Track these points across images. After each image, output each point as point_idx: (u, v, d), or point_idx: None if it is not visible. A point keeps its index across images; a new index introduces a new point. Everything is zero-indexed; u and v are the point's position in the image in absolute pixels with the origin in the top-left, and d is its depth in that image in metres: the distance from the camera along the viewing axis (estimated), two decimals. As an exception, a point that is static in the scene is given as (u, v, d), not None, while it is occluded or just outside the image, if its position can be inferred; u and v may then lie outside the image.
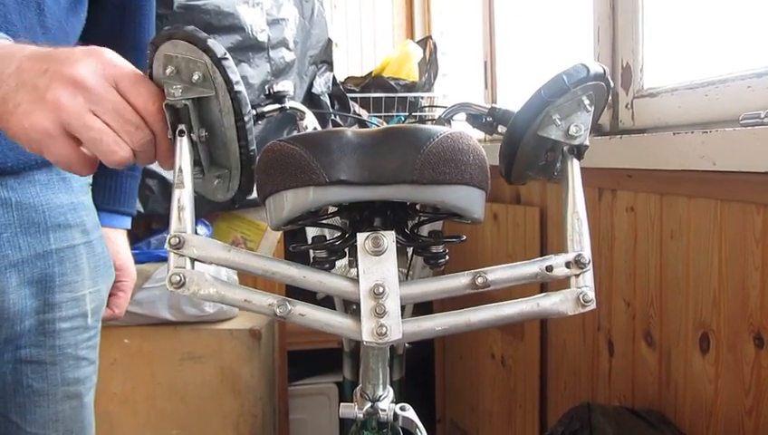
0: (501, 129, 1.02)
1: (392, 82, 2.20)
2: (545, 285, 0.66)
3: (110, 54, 0.55)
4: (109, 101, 0.54)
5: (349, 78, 2.33)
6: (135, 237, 1.72)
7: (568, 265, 0.59)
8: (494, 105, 1.03)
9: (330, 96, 2.06)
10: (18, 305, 0.80)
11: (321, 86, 2.03)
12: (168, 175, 1.71)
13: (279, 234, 1.97)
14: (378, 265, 0.59)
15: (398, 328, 0.57)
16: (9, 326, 0.80)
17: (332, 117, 2.01)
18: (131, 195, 1.05)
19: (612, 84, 0.64)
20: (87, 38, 0.90)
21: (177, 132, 0.57)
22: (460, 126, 1.08)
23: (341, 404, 0.84)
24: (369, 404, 0.82)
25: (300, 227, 0.72)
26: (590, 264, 0.59)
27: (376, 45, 2.59)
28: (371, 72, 2.31)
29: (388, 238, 0.59)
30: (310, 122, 1.19)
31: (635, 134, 1.19)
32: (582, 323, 1.35)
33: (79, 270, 0.87)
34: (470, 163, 0.60)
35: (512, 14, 1.94)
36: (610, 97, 1.29)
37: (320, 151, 0.59)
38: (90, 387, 0.91)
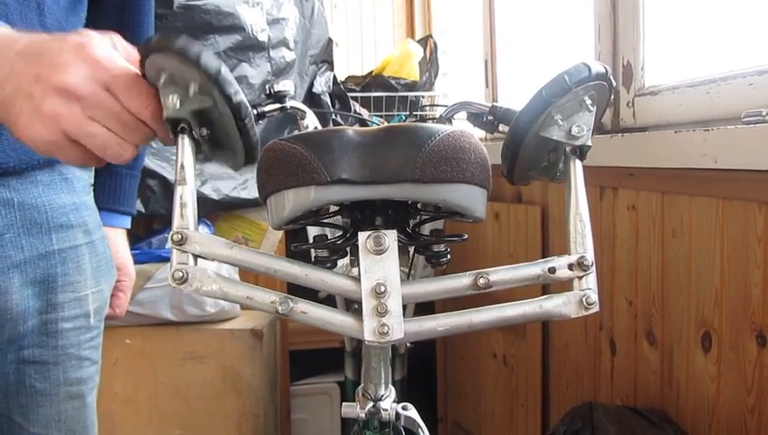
0: (502, 127, 1.01)
1: (393, 82, 2.20)
2: (547, 285, 0.66)
3: (101, 52, 0.54)
4: (104, 106, 0.54)
5: (349, 77, 2.33)
6: (136, 237, 1.72)
7: (571, 267, 0.59)
8: (494, 104, 1.02)
9: (330, 96, 2.06)
10: (21, 306, 0.80)
11: (321, 86, 2.03)
12: (169, 175, 1.71)
13: (280, 233, 1.97)
14: (379, 265, 0.59)
15: (399, 328, 0.57)
16: (12, 326, 0.80)
17: (333, 116, 2.01)
18: (131, 194, 1.05)
19: (615, 84, 0.64)
20: None
21: (177, 131, 0.57)
22: (461, 125, 1.07)
23: (344, 404, 0.84)
24: (372, 404, 0.82)
25: (301, 226, 0.72)
26: (594, 266, 0.59)
27: (376, 45, 2.58)
28: (372, 72, 2.31)
29: (390, 237, 0.59)
30: (310, 122, 1.19)
31: (636, 132, 1.19)
32: (584, 323, 1.35)
33: (81, 270, 0.87)
34: (471, 162, 0.60)
35: (512, 12, 1.94)
36: (612, 95, 1.29)
37: (321, 150, 0.59)
38: (92, 387, 0.91)
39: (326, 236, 0.71)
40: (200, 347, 1.68)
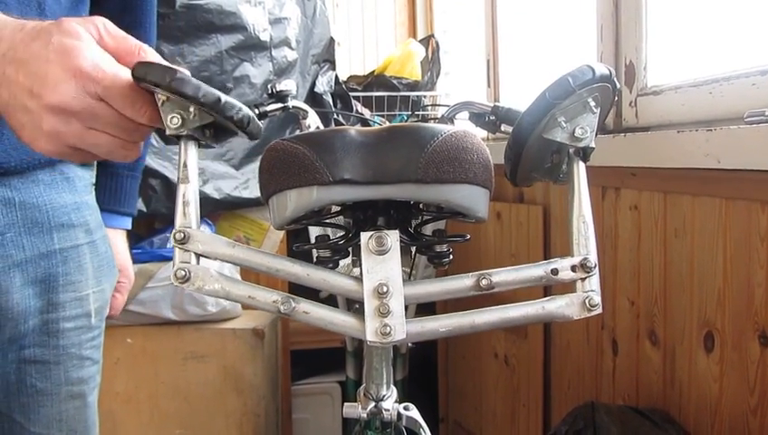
0: (504, 127, 1.01)
1: (395, 81, 2.20)
2: (550, 285, 0.66)
3: (87, 62, 0.52)
4: (101, 116, 0.54)
5: (351, 77, 2.33)
6: (137, 237, 1.72)
7: (574, 268, 0.59)
8: (496, 103, 1.02)
9: (332, 95, 2.06)
10: (22, 305, 0.80)
11: (323, 85, 2.03)
12: (170, 174, 1.71)
13: (282, 233, 1.97)
14: (381, 265, 0.58)
15: (401, 328, 0.57)
16: (13, 326, 0.80)
17: (335, 116, 2.01)
18: (132, 195, 1.05)
19: (618, 86, 0.63)
20: None
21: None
22: (463, 125, 1.07)
23: (345, 404, 0.84)
24: (373, 404, 0.82)
25: (303, 226, 0.72)
26: (596, 268, 0.59)
27: (378, 44, 2.58)
28: (374, 71, 2.30)
29: (392, 238, 0.59)
30: (312, 121, 1.19)
31: (639, 132, 1.18)
32: (586, 323, 1.34)
33: (82, 270, 0.87)
34: (474, 162, 0.60)
35: (514, 12, 1.93)
36: (615, 97, 1.29)
37: (323, 150, 0.59)
38: (93, 387, 0.91)
39: (328, 236, 0.71)
40: (201, 346, 1.68)
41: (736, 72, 1.01)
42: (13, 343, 0.81)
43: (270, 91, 1.10)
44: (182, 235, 0.56)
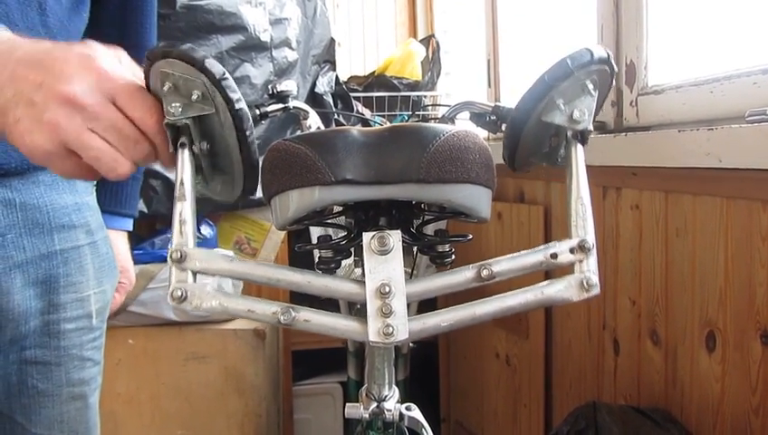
0: (505, 127, 1.01)
1: (395, 81, 2.20)
2: (550, 274, 0.65)
3: (106, 63, 0.54)
4: (106, 117, 0.53)
5: (352, 77, 2.33)
6: (139, 238, 1.72)
7: (572, 250, 0.58)
8: (497, 103, 1.02)
9: (333, 96, 2.06)
10: (23, 306, 0.79)
11: (324, 86, 2.03)
12: (171, 175, 1.71)
13: (283, 234, 1.97)
14: (384, 265, 0.58)
15: (404, 328, 0.56)
16: (14, 327, 0.79)
17: (336, 116, 2.01)
18: (133, 196, 1.05)
19: (617, 69, 0.63)
20: (89, 38, 0.90)
21: (177, 145, 0.57)
22: (464, 125, 1.07)
23: (347, 404, 0.84)
24: (375, 404, 0.82)
25: (305, 226, 0.72)
26: (594, 248, 0.59)
27: (378, 44, 2.58)
28: (374, 72, 2.30)
29: (394, 238, 0.59)
30: (313, 122, 1.19)
31: (639, 132, 1.18)
32: (588, 322, 1.34)
33: (83, 271, 0.86)
34: (476, 162, 0.60)
35: (515, 11, 1.93)
36: (614, 95, 1.29)
37: (325, 151, 0.59)
38: (95, 388, 0.91)
39: (330, 236, 0.71)
40: (203, 347, 1.68)
41: (737, 70, 1.01)
42: (14, 344, 0.81)
43: (270, 92, 1.10)
44: (179, 254, 0.56)
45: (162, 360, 1.67)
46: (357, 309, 1.15)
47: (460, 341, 2.03)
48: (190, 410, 1.68)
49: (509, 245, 1.69)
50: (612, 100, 1.29)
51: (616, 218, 1.24)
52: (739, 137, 0.88)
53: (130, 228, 1.05)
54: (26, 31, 0.75)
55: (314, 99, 2.00)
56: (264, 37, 1.82)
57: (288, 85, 1.10)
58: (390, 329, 0.56)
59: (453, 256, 0.70)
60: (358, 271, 1.15)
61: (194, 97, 0.55)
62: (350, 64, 2.51)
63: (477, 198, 0.61)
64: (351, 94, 2.12)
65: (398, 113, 2.18)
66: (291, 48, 1.90)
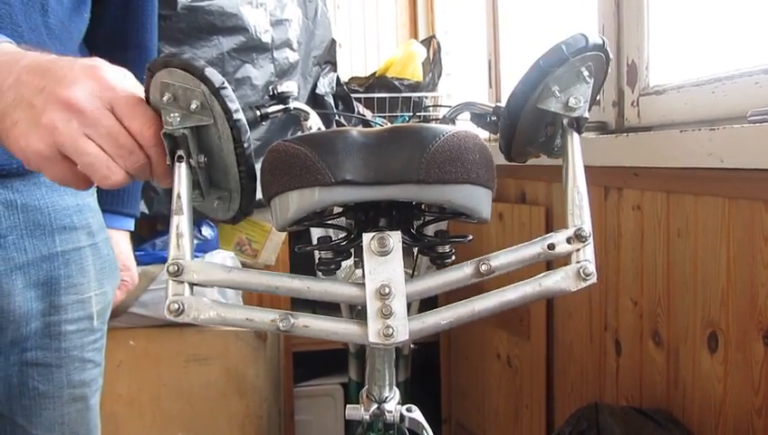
0: (501, 116, 1.01)
1: (396, 82, 2.19)
2: (551, 267, 0.65)
3: (109, 75, 0.54)
4: (103, 125, 0.53)
5: (352, 78, 2.33)
6: (140, 239, 1.72)
7: (569, 240, 0.58)
8: (498, 104, 1.02)
9: (333, 97, 2.06)
10: (24, 308, 0.79)
11: (324, 87, 2.03)
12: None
13: (284, 235, 1.97)
14: (384, 266, 0.58)
15: (404, 329, 0.56)
16: (15, 329, 0.79)
17: (336, 117, 2.01)
18: (135, 196, 1.05)
19: (611, 56, 0.63)
20: (90, 38, 0.90)
21: (175, 158, 0.56)
22: (464, 125, 1.07)
23: (348, 406, 0.84)
24: (376, 406, 0.82)
25: (305, 227, 0.72)
26: (591, 237, 0.58)
27: (379, 45, 2.58)
28: (375, 73, 2.30)
29: (394, 239, 0.59)
30: (314, 123, 1.19)
31: (641, 132, 1.18)
32: (589, 323, 1.34)
33: (84, 272, 0.86)
34: (476, 162, 0.60)
35: (516, 12, 1.93)
36: (616, 95, 1.29)
37: (325, 151, 0.59)
38: (95, 389, 0.91)
39: (330, 237, 0.71)
40: (204, 349, 1.67)
41: (739, 71, 1.01)
42: (15, 346, 0.81)
43: (271, 93, 1.10)
44: (176, 267, 0.56)
45: (163, 361, 1.67)
46: (357, 311, 1.15)
47: (461, 342, 2.02)
48: (191, 411, 1.68)
49: (510, 246, 1.68)
50: (614, 100, 1.29)
51: (617, 219, 1.23)
52: (741, 137, 0.88)
53: (132, 228, 1.05)
54: (29, 31, 0.75)
55: (315, 100, 2.00)
56: (265, 38, 1.82)
57: (289, 86, 1.10)
58: (390, 330, 0.56)
59: (453, 257, 0.70)
60: (358, 272, 1.14)
61: (192, 107, 0.55)
62: (351, 65, 2.51)
63: (478, 199, 0.61)
64: (352, 95, 2.12)
65: (398, 114, 2.18)
66: (292, 49, 1.90)
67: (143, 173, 0.57)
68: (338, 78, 2.10)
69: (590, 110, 0.61)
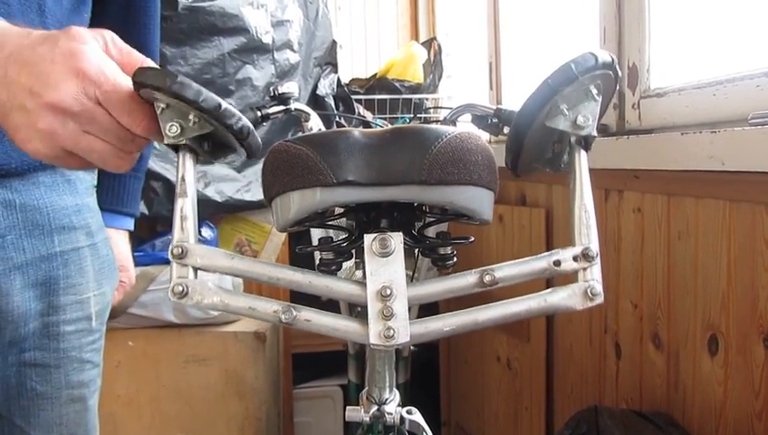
0: (507, 130, 1.01)
1: (397, 84, 2.20)
2: (551, 280, 0.65)
3: (91, 65, 0.52)
4: (99, 121, 0.53)
5: (353, 80, 2.33)
6: (139, 239, 1.72)
7: (576, 258, 0.58)
8: (499, 106, 1.02)
9: (334, 98, 2.06)
10: (22, 308, 0.79)
11: (325, 88, 2.03)
12: (172, 177, 1.71)
13: (284, 236, 1.97)
14: (385, 267, 0.58)
15: (405, 331, 0.56)
16: (13, 329, 0.79)
17: (337, 119, 2.01)
18: (134, 196, 1.04)
19: (620, 74, 0.63)
20: None
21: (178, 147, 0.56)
22: (465, 127, 1.07)
23: (348, 408, 0.84)
24: (376, 407, 0.82)
25: (306, 228, 0.72)
26: (598, 257, 0.58)
27: (380, 47, 2.58)
28: (376, 74, 2.30)
29: (396, 240, 0.59)
30: (314, 124, 1.19)
31: (642, 134, 1.18)
32: (589, 326, 1.34)
33: (83, 273, 0.86)
34: (479, 163, 0.60)
35: (517, 14, 1.93)
36: (617, 97, 1.29)
37: (327, 152, 0.59)
38: (94, 390, 0.90)
39: (331, 238, 0.71)
40: (203, 350, 1.67)
41: (740, 73, 1.01)
42: (13, 346, 0.80)
43: (272, 94, 1.10)
44: (180, 250, 0.56)
45: (162, 362, 1.66)
46: (358, 311, 1.15)
47: (461, 344, 2.02)
48: (190, 412, 1.67)
49: (510, 247, 1.68)
50: (615, 102, 1.29)
51: (618, 221, 1.23)
52: (742, 140, 0.87)
53: (131, 228, 1.05)
54: None
55: (316, 101, 2.00)
56: (266, 39, 1.82)
57: (289, 87, 1.10)
58: (391, 332, 0.56)
59: (454, 259, 0.69)
60: (359, 273, 1.14)
61: (191, 119, 0.54)
62: (352, 67, 2.51)
63: (479, 200, 0.61)
64: (353, 97, 2.12)
65: (399, 116, 2.18)
66: (292, 50, 1.90)
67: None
68: (338, 79, 2.10)
69: (600, 121, 0.61)
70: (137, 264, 1.07)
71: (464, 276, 0.58)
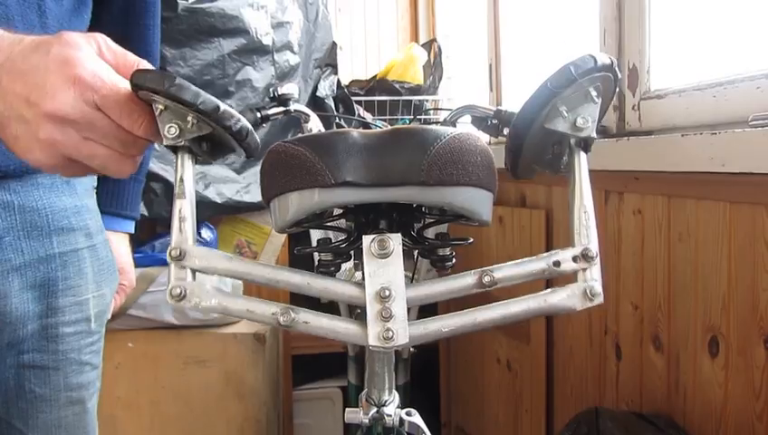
0: (506, 131, 1.01)
1: (397, 86, 2.20)
2: (551, 281, 0.65)
3: (86, 70, 0.52)
4: (98, 126, 0.53)
5: (353, 81, 2.33)
6: (139, 241, 1.72)
7: (575, 259, 0.58)
8: (499, 108, 1.02)
9: (334, 99, 2.06)
10: (20, 310, 0.79)
11: (325, 89, 2.03)
12: (172, 178, 1.71)
13: (283, 237, 1.97)
14: (384, 268, 0.58)
15: (404, 332, 0.56)
16: (11, 331, 0.79)
17: (337, 120, 2.01)
18: (135, 199, 1.04)
19: (620, 76, 0.63)
20: None
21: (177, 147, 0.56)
22: (465, 128, 1.07)
23: (347, 410, 0.83)
24: (375, 409, 0.82)
25: (305, 229, 0.71)
26: (598, 257, 0.58)
27: (380, 48, 2.58)
28: (376, 76, 2.30)
29: (395, 241, 0.59)
30: (314, 125, 1.19)
31: (642, 136, 1.18)
32: (589, 327, 1.34)
33: (82, 274, 0.86)
34: (478, 164, 0.60)
35: (517, 15, 1.93)
36: (617, 99, 1.29)
37: (325, 152, 0.58)
38: (93, 392, 0.90)
39: (330, 239, 0.71)
40: (203, 351, 1.67)
41: (741, 75, 1.01)
42: (11, 348, 0.80)
43: (272, 95, 1.10)
44: (178, 251, 0.56)
45: (162, 364, 1.66)
46: (357, 313, 1.14)
47: (461, 345, 2.02)
48: (190, 414, 1.67)
49: (510, 249, 1.68)
50: (615, 104, 1.29)
51: (618, 223, 1.23)
52: (742, 141, 0.87)
53: (132, 231, 1.05)
54: (25, 32, 0.74)
55: (316, 102, 2.00)
56: (266, 41, 1.82)
57: (289, 88, 1.10)
58: (390, 333, 0.55)
59: (454, 260, 0.69)
60: (358, 274, 1.14)
61: (189, 121, 0.54)
62: (352, 68, 2.51)
63: (479, 201, 0.61)
64: (353, 98, 2.12)
65: (399, 117, 2.18)
66: (292, 51, 1.90)
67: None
68: (338, 81, 2.10)
69: (599, 123, 0.61)
70: (136, 265, 1.07)
71: (463, 277, 0.58)
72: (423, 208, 0.69)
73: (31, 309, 0.80)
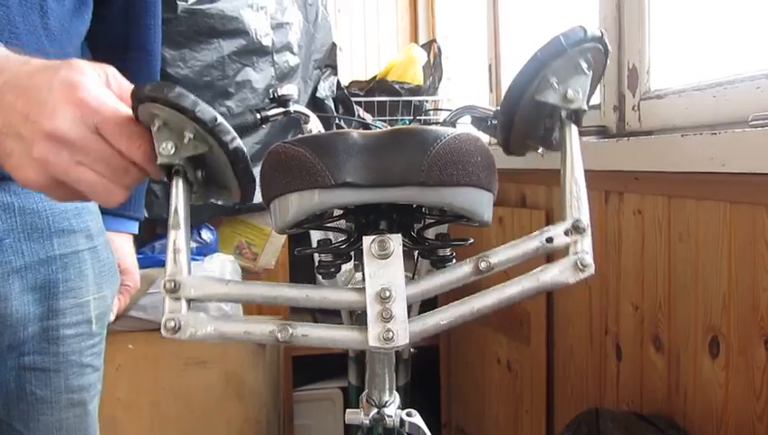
0: (499, 108, 1.00)
1: (396, 86, 2.20)
2: (552, 258, 0.64)
3: (90, 94, 0.52)
4: (93, 150, 0.52)
5: (353, 82, 2.33)
6: (139, 242, 1.72)
7: (567, 232, 0.57)
8: (499, 108, 1.02)
9: (334, 100, 2.06)
10: (21, 312, 0.79)
11: (325, 90, 2.03)
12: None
13: (283, 238, 1.97)
14: (384, 269, 0.58)
15: (404, 333, 0.56)
16: (12, 333, 0.79)
17: (337, 121, 2.01)
18: (139, 199, 1.04)
19: (610, 49, 0.62)
20: (92, 39, 0.90)
21: (171, 173, 0.56)
22: (465, 129, 1.07)
23: (347, 411, 0.84)
24: (376, 410, 0.82)
25: (305, 230, 0.71)
26: (589, 228, 0.57)
27: (380, 49, 2.58)
28: (376, 76, 2.30)
29: (395, 242, 0.59)
30: (314, 126, 1.19)
31: (642, 136, 1.18)
32: (590, 327, 1.34)
33: (83, 276, 0.86)
34: (478, 165, 0.60)
35: (516, 16, 1.93)
36: (617, 99, 1.29)
37: (325, 153, 0.58)
38: (94, 394, 0.90)
39: (330, 240, 0.71)
40: (203, 352, 1.67)
41: (740, 75, 1.01)
42: (12, 350, 0.80)
43: (272, 96, 1.10)
44: (173, 284, 0.55)
45: (162, 365, 1.66)
46: (357, 315, 1.14)
47: (461, 346, 2.02)
48: (190, 415, 1.67)
49: (511, 250, 1.68)
50: (614, 104, 1.29)
51: (618, 223, 1.23)
52: (742, 141, 0.87)
53: (136, 231, 1.04)
54: (27, 33, 0.74)
55: (315, 103, 2.00)
56: (266, 42, 1.82)
57: (289, 89, 1.10)
58: (390, 334, 0.55)
59: (454, 261, 0.69)
60: (358, 275, 1.14)
61: (186, 137, 0.53)
62: (352, 69, 2.51)
63: (479, 202, 0.61)
64: (353, 99, 2.12)
65: (399, 118, 2.18)
66: (292, 52, 1.90)
67: (142, 179, 0.57)
68: (338, 81, 2.10)
69: (588, 102, 0.60)
70: (136, 266, 1.07)
71: (459, 267, 0.58)
72: (423, 209, 0.69)
73: (31, 311, 0.80)
